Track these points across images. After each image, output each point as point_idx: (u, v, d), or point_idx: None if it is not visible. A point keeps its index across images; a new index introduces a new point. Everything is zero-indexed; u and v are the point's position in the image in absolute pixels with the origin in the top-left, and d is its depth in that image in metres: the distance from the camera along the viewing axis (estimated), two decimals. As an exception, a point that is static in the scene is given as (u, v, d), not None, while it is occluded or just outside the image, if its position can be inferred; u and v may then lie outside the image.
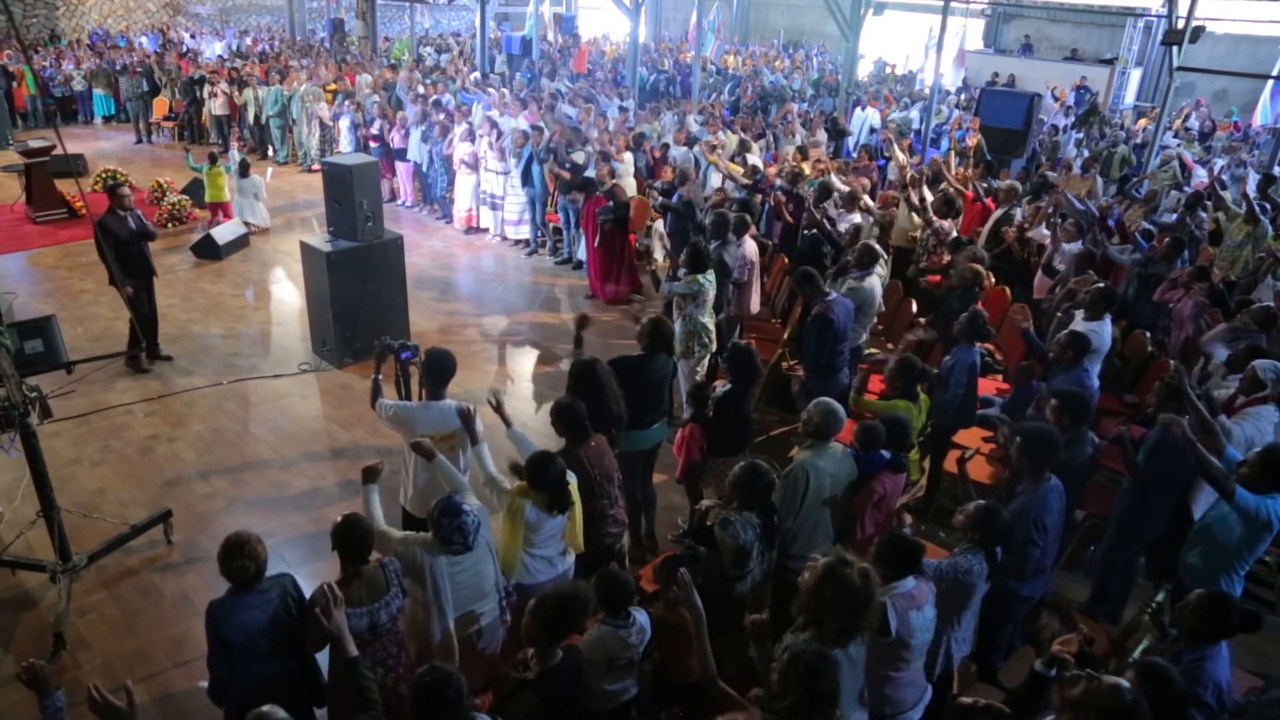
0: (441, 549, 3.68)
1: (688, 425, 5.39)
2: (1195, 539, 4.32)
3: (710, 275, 6.41)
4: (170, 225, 11.86)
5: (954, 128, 12.91)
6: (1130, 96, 20.68)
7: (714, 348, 6.56)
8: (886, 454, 4.39)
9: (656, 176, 11.22)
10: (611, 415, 4.79)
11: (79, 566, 5.21)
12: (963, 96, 18.06)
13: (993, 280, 8.33)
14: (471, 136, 11.64)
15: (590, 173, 10.05)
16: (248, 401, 7.51)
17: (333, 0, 25.31)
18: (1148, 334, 7.22)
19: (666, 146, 12.09)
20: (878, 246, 6.62)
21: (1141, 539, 4.91)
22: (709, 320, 6.41)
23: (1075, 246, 7.48)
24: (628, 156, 10.97)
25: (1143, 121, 16.48)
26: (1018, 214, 8.47)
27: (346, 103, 14.16)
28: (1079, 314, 6.04)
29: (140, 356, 7.92)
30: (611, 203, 9.48)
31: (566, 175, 10.24)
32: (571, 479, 4.11)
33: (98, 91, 18.36)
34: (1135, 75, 21.10)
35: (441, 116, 12.46)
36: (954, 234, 8.10)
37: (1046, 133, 13.39)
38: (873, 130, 14.97)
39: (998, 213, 8.45)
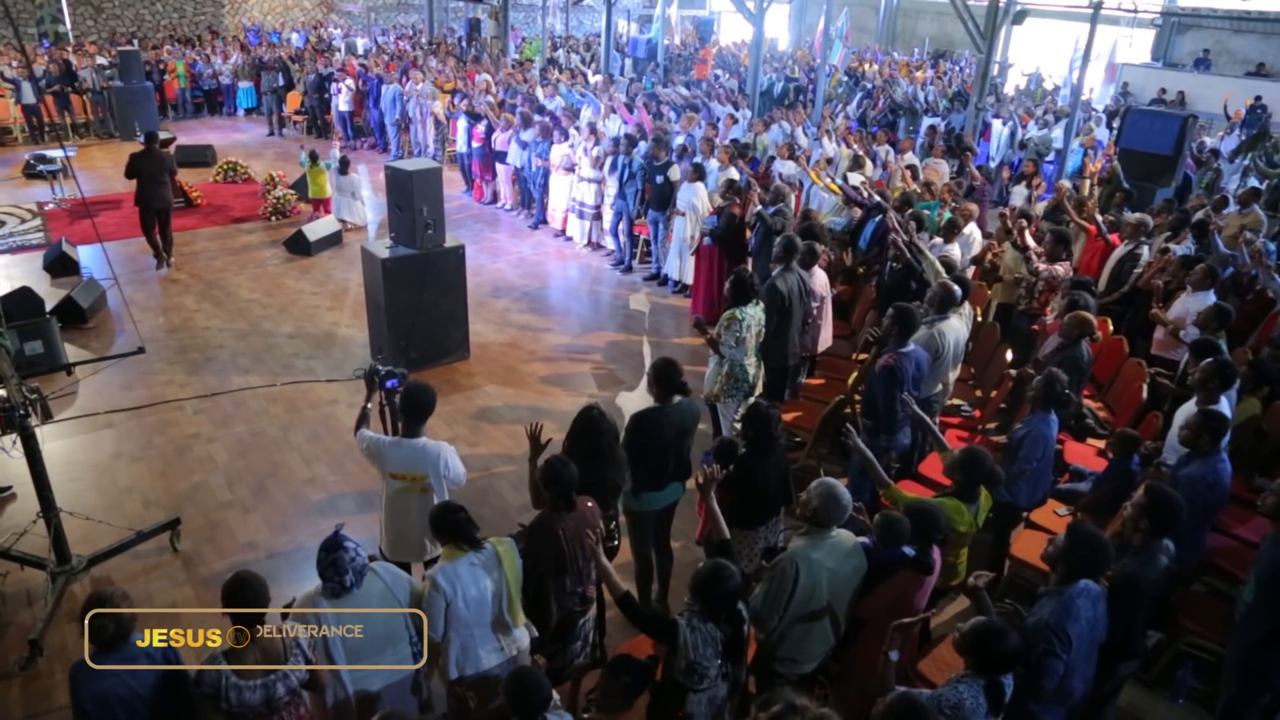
0: (321, 591, 3.36)
1: (709, 483, 4.83)
2: None
3: (754, 309, 5.76)
4: (273, 219, 12.14)
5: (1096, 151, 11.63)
6: (1323, 119, 18.28)
7: (757, 391, 5.91)
8: (910, 551, 3.68)
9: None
10: (605, 485, 4.24)
11: (76, 569, 5.16)
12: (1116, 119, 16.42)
13: (1110, 328, 7.32)
14: (569, 138, 11.38)
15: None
16: (294, 406, 7.40)
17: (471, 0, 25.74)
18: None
19: (773, 159, 11.44)
20: (956, 287, 5.77)
21: (1273, 683, 3.95)
22: (749, 360, 5.77)
23: (1205, 297, 6.38)
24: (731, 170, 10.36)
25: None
26: (1145, 252, 7.36)
27: (462, 102, 14.18)
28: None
29: (162, 259, 10.34)
30: (717, 216, 8.95)
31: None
32: (509, 543, 3.65)
33: (242, 85, 19.27)
34: (1332, 94, 18.64)
35: (545, 119, 12.23)
36: (1069, 277, 7.11)
37: (1205, 158, 11.84)
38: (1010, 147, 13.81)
39: (1120, 250, 7.38)
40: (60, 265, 9.87)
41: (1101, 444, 6.48)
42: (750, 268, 8.64)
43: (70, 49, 19.33)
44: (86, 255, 10.55)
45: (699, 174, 9.54)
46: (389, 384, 4.60)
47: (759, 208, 8.26)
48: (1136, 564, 3.63)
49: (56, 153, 13.09)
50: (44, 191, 12.62)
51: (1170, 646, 4.74)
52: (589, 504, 3.91)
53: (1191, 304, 6.58)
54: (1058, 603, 3.33)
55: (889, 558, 3.67)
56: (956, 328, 5.89)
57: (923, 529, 3.68)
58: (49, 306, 8.40)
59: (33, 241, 11.06)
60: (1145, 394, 6.30)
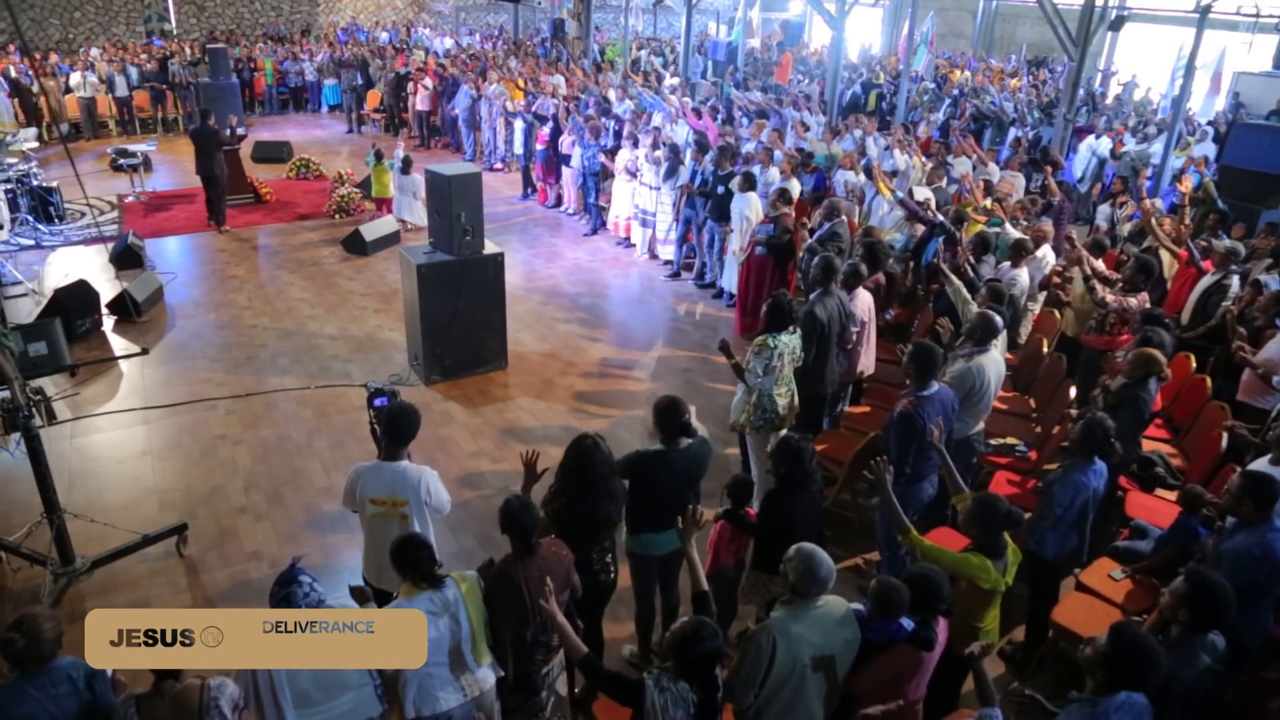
0: None
1: (720, 521, 4.50)
2: None
3: (789, 337, 5.36)
4: (337, 217, 12.25)
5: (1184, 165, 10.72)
6: None
7: (787, 422, 5.51)
8: (909, 623, 3.27)
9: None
10: (599, 518, 3.96)
11: (79, 571, 5.14)
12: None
13: (1192, 365, 6.64)
14: (635, 143, 11.13)
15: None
16: (324, 410, 7.34)
17: (556, 0, 25.76)
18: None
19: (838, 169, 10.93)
20: (997, 317, 5.26)
21: None
22: (779, 390, 5.38)
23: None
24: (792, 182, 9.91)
25: None
26: (1234, 283, 6.65)
27: (523, 102, 14.08)
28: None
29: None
30: (772, 225, 8.57)
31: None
32: (472, 579, 3.45)
33: (328, 82, 19.67)
34: None
35: (596, 119, 12.02)
36: (1144, 308, 6.47)
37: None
38: (1101, 163, 12.92)
39: (1206, 280, 6.70)
40: (125, 258, 10.11)
41: (1172, 496, 5.87)
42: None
43: (172, 45, 20.10)
44: (163, 248, 10.87)
45: (749, 184, 9.14)
46: (376, 402, 4.40)
47: (810, 241, 7.88)
48: (1171, 662, 3.13)
49: (139, 147, 13.53)
50: (125, 184, 13.04)
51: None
52: (562, 551, 3.63)
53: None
54: (1089, 717, 2.88)
55: (885, 631, 3.27)
56: (997, 360, 5.39)
57: (924, 599, 3.26)
58: (105, 299, 8.60)
59: (107, 233, 11.40)
60: (1225, 442, 5.66)
